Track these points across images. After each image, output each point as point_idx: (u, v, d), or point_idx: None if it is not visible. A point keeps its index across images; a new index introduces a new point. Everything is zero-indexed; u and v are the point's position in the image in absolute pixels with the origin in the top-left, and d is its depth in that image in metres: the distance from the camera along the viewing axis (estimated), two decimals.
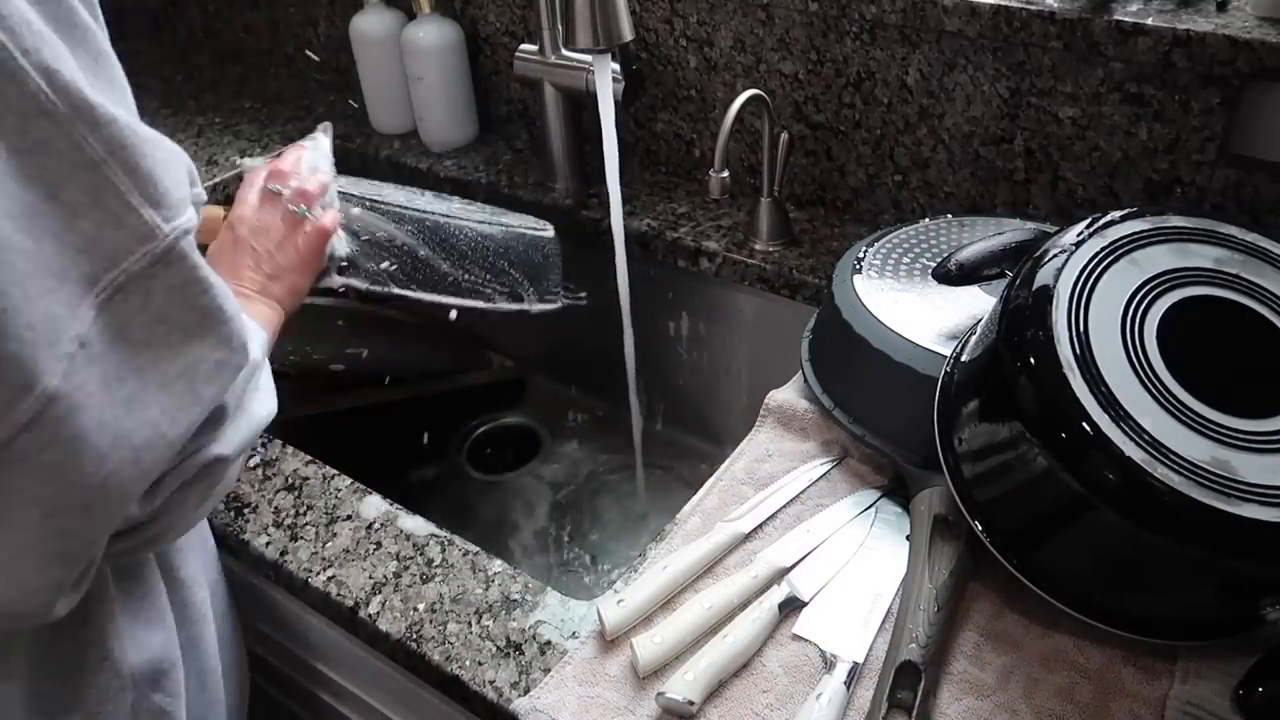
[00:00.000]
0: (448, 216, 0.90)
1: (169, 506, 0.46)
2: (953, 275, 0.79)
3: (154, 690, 0.62)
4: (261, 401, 0.51)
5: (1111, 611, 0.60)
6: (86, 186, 0.37)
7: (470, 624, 0.67)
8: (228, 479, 0.51)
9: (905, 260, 0.82)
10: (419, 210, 0.88)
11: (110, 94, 0.39)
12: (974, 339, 0.67)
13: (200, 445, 0.45)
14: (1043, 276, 0.61)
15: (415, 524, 0.75)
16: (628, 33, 0.88)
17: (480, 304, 0.91)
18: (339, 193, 0.82)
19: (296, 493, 0.79)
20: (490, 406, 1.26)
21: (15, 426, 0.36)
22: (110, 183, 0.37)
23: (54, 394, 0.37)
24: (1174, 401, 0.56)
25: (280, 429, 0.74)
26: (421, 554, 0.73)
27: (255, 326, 0.53)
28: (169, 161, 0.41)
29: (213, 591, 0.72)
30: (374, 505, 0.77)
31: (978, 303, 0.75)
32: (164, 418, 0.41)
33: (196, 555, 0.69)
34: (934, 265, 0.81)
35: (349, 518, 0.76)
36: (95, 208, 0.37)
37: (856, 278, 0.80)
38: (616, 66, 1.07)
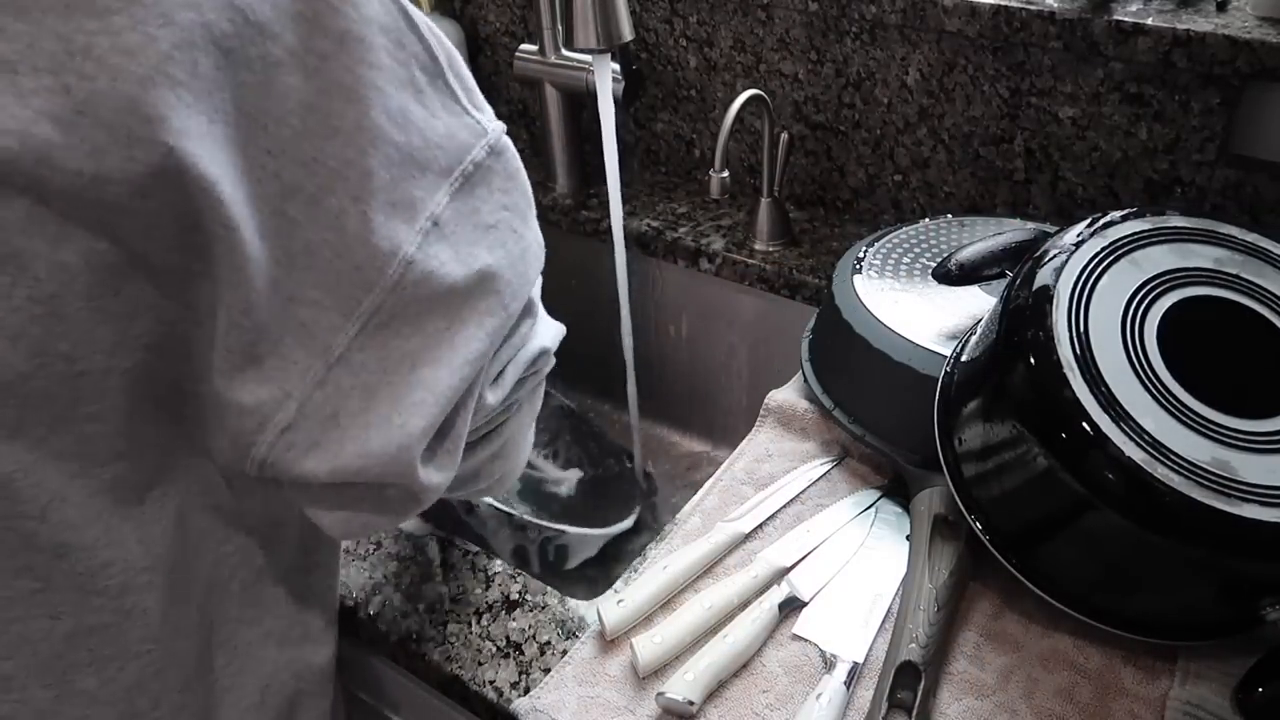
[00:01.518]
0: None
1: (518, 403, 0.55)
2: (953, 275, 0.79)
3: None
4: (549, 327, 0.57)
5: (1111, 611, 0.60)
6: (438, 91, 0.44)
7: (470, 624, 0.67)
8: (535, 401, 0.59)
9: (905, 260, 0.82)
10: None
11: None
12: (974, 339, 0.67)
13: (524, 339, 0.52)
14: (1043, 276, 0.61)
15: (415, 524, 0.75)
16: (628, 33, 0.88)
17: None
18: None
19: None
20: None
21: (384, 290, 0.42)
22: (450, 88, 0.44)
23: (411, 259, 0.43)
24: (1174, 402, 0.56)
25: None
26: (421, 554, 0.73)
27: None
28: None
29: None
30: None
31: (978, 303, 0.75)
32: (508, 290, 0.47)
33: None
34: (934, 265, 0.81)
35: None
36: (445, 110, 0.44)
37: (856, 278, 0.80)
38: (616, 66, 1.07)
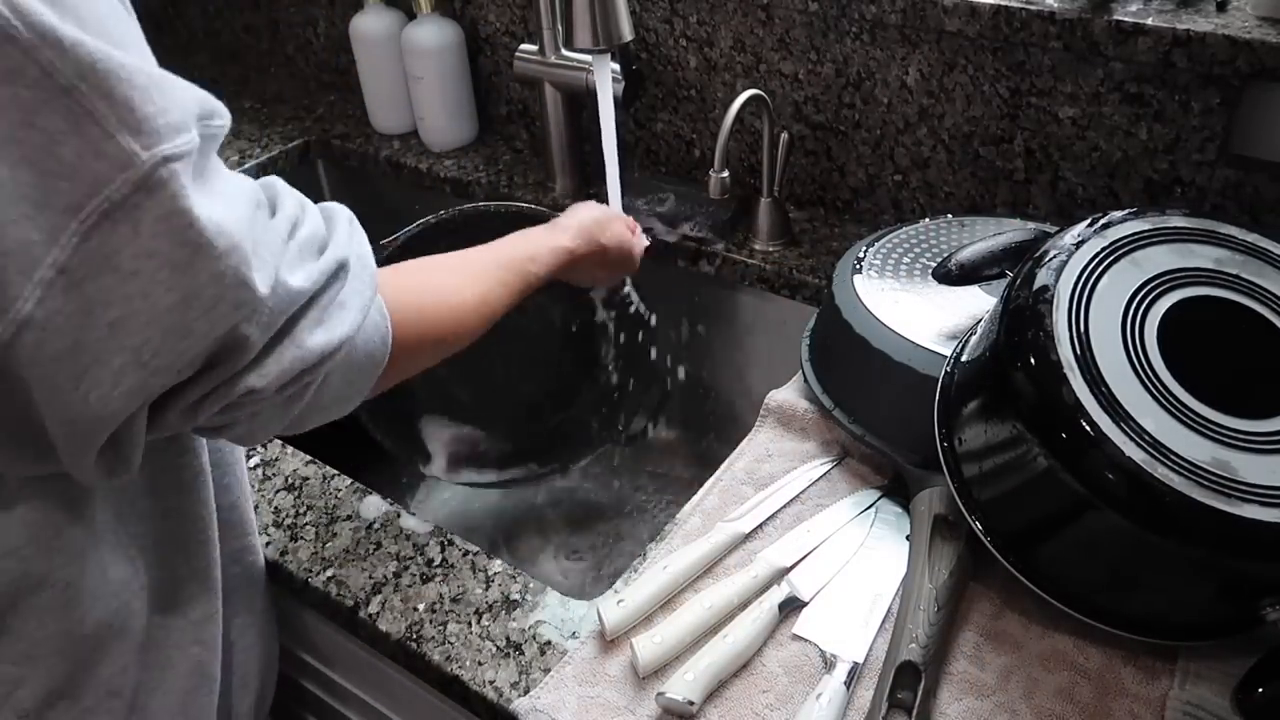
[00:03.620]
0: None
1: (238, 421, 0.49)
2: (953, 275, 0.79)
3: (194, 642, 0.64)
4: (328, 331, 0.49)
5: (1111, 611, 0.60)
6: (63, 113, 0.37)
7: (470, 624, 0.67)
8: (344, 386, 0.52)
9: (905, 260, 0.82)
10: None
11: (79, 15, 0.39)
12: (974, 339, 0.67)
13: (227, 375, 0.46)
14: (1043, 276, 0.61)
15: (415, 524, 0.75)
16: (628, 33, 0.88)
17: None
18: None
19: (296, 493, 0.79)
20: None
21: None
22: (85, 109, 0.37)
23: (27, 319, 0.38)
24: (1174, 402, 0.56)
25: None
26: (421, 554, 0.73)
27: (340, 246, 0.51)
28: (154, 89, 0.40)
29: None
30: (374, 505, 0.77)
31: (978, 303, 0.75)
32: (147, 347, 0.42)
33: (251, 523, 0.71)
34: (934, 265, 0.81)
35: (349, 518, 0.76)
36: (74, 135, 0.37)
37: (856, 278, 0.80)
38: (616, 66, 1.07)
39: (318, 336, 0.48)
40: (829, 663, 0.61)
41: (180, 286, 0.41)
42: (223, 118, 0.45)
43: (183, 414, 0.47)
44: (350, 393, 0.54)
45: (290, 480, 0.80)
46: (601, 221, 0.84)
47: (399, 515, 0.76)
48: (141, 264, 0.40)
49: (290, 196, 0.50)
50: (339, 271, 0.50)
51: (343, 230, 0.52)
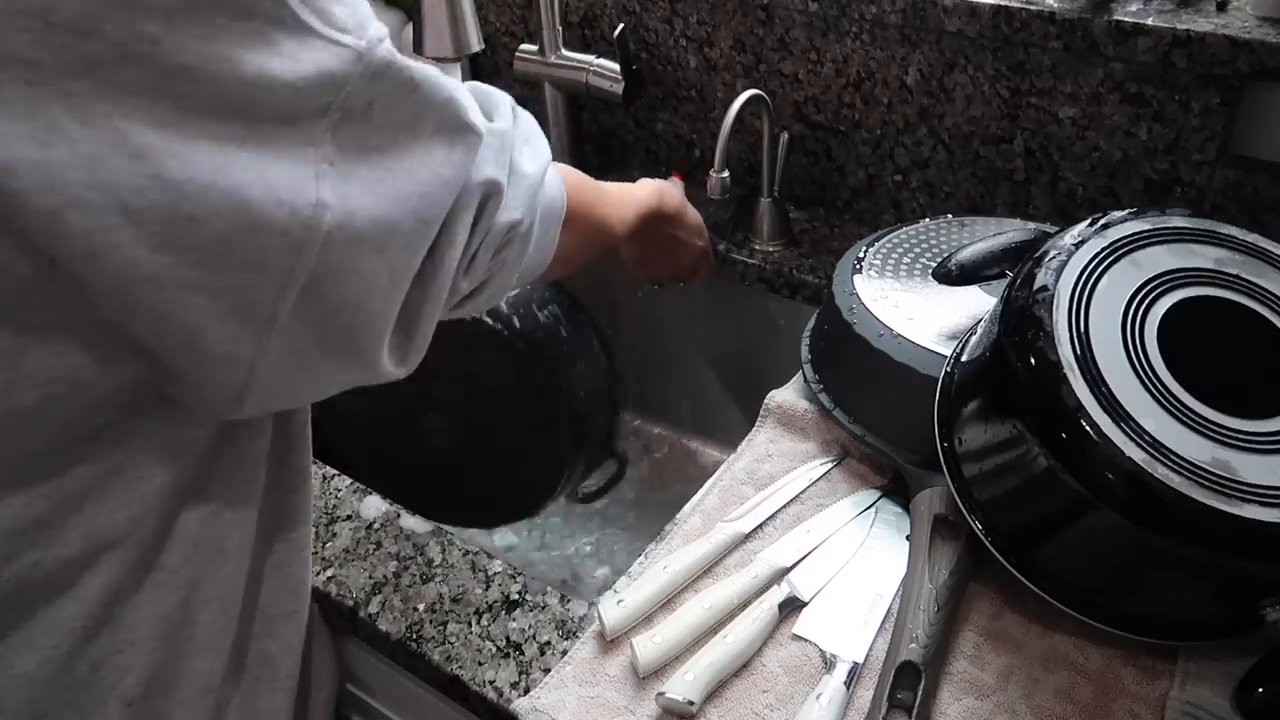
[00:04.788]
0: None
1: (493, 273, 0.56)
2: (953, 275, 0.79)
3: (269, 636, 0.62)
4: (532, 158, 0.57)
5: (1111, 611, 0.61)
6: (291, 31, 0.40)
7: (470, 624, 0.67)
8: (544, 234, 0.61)
9: (905, 260, 0.83)
10: None
11: None
12: (974, 339, 0.67)
13: (491, 220, 0.53)
14: (1043, 276, 0.61)
15: (415, 524, 0.75)
16: (475, 43, 0.91)
17: None
18: None
19: None
20: None
21: (313, 248, 0.42)
22: (305, 23, 0.40)
23: (325, 203, 0.42)
24: (1174, 402, 0.56)
25: None
26: (421, 554, 0.73)
27: (500, 98, 0.58)
28: None
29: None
30: (374, 505, 0.77)
31: (978, 303, 0.75)
32: (422, 205, 0.47)
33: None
34: (934, 265, 0.81)
35: (349, 518, 0.76)
36: (304, 48, 0.40)
37: (856, 278, 0.80)
38: (617, 66, 1.07)
39: (531, 164, 0.56)
40: (829, 663, 0.61)
41: (419, 146, 0.47)
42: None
43: (466, 273, 0.53)
44: (543, 247, 0.61)
45: None
46: (674, 196, 0.87)
47: (399, 515, 0.76)
48: (385, 137, 0.44)
49: None
50: (515, 111, 0.57)
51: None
